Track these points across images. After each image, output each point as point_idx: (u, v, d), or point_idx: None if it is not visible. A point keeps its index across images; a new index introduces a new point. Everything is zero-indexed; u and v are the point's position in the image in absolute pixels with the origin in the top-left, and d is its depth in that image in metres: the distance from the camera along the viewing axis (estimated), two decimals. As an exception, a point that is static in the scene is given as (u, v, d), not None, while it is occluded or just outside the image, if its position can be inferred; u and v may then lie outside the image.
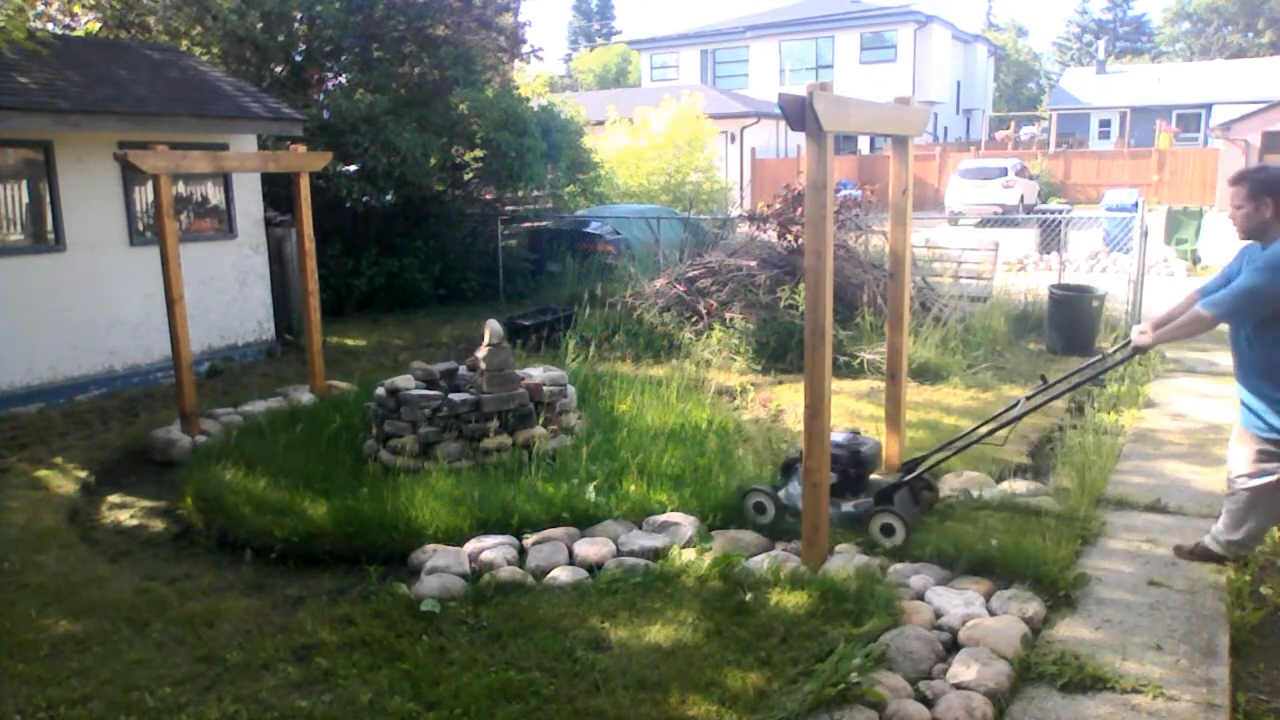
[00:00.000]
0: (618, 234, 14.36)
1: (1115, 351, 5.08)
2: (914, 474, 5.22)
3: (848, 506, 5.13)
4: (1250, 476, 4.27)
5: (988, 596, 4.34)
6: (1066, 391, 5.35)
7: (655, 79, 42.46)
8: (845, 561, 4.60)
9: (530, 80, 22.16)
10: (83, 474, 6.62)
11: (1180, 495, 5.62)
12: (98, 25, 13.26)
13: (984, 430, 5.27)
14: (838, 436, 5.29)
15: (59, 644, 4.18)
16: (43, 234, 8.66)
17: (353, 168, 13.02)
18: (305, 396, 8.14)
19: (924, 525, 5.04)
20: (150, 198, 8.88)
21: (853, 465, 5.21)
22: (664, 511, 5.35)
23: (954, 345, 9.08)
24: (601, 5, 72.63)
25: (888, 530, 4.88)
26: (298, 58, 13.74)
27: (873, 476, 5.35)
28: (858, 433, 5.48)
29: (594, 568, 4.74)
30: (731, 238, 12.06)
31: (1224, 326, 4.29)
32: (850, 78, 36.03)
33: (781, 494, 5.27)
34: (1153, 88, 40.33)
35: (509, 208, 15.69)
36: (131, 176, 9.04)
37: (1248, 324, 4.12)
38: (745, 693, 3.58)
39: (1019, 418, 5.15)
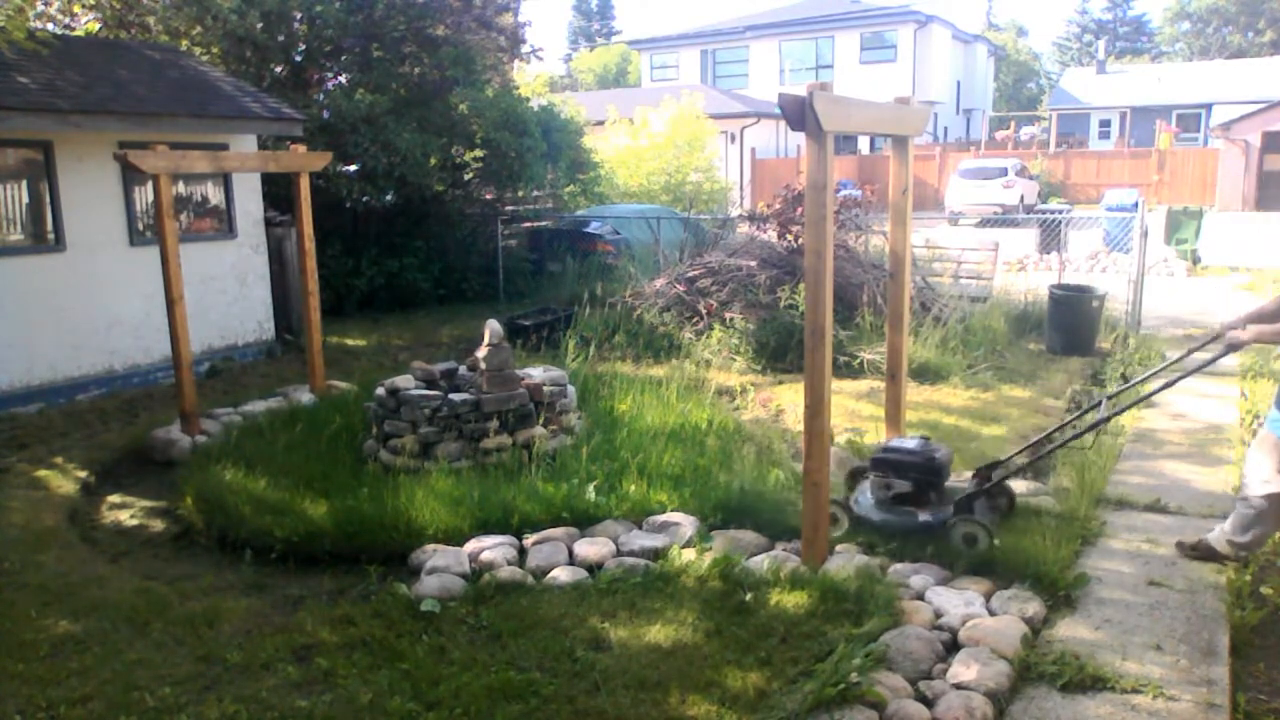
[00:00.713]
0: (618, 234, 14.36)
1: (1201, 347, 4.94)
2: (993, 482, 5.03)
3: (925, 516, 4.88)
4: (1266, 483, 4.25)
5: (988, 596, 4.34)
6: (1160, 389, 5.07)
7: (655, 79, 42.45)
8: (845, 561, 4.60)
9: (530, 80, 22.16)
10: (83, 474, 6.62)
11: (1180, 495, 5.62)
12: (98, 25, 13.27)
13: (1068, 434, 5.06)
14: (909, 443, 5.10)
15: (59, 644, 4.18)
16: (43, 234, 8.66)
17: (353, 168, 13.02)
18: (305, 396, 8.14)
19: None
20: (150, 198, 8.87)
21: (928, 474, 4.95)
22: (664, 511, 5.35)
23: (954, 345, 9.08)
24: (601, 5, 72.61)
25: (970, 540, 4.70)
26: (298, 58, 13.74)
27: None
28: (928, 439, 5.22)
29: (594, 568, 4.74)
30: (731, 238, 12.06)
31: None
32: (850, 78, 36.02)
33: (853, 504, 5.09)
34: (1153, 88, 40.33)
35: (509, 208, 15.69)
36: (131, 176, 9.04)
37: None
38: (745, 693, 3.58)
39: (1107, 419, 4.92)
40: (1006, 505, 5.17)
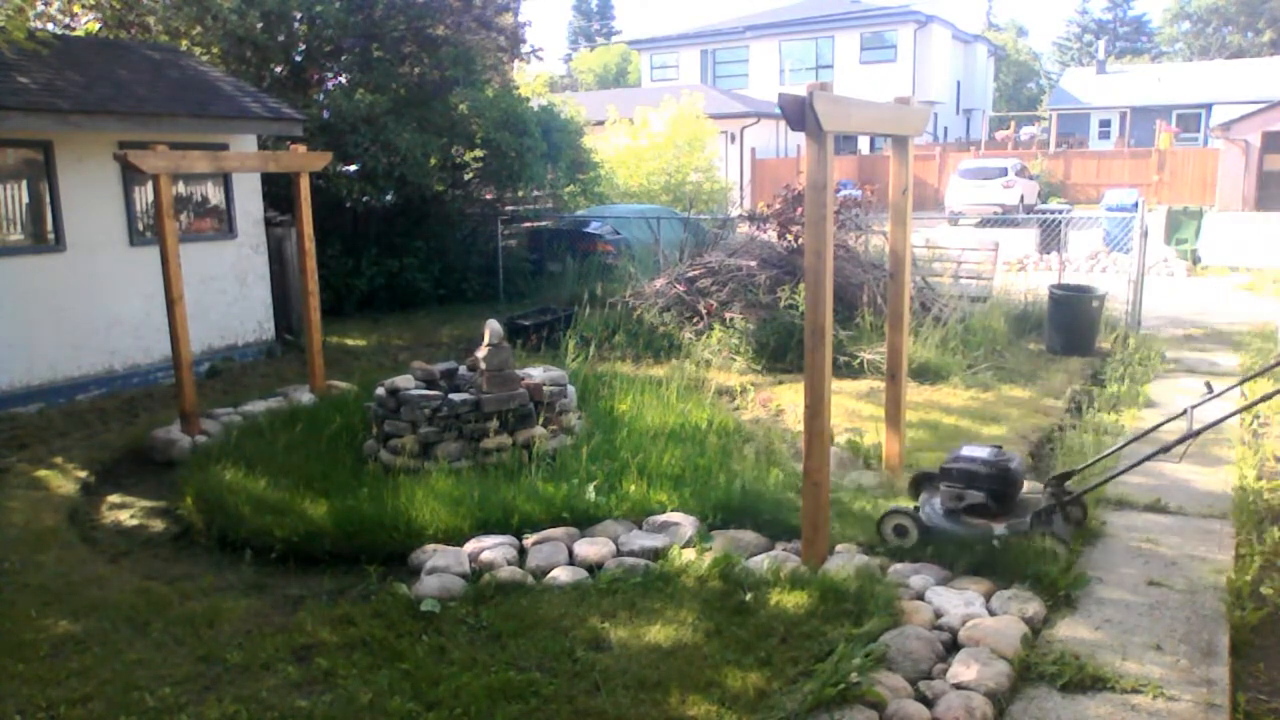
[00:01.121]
0: (618, 234, 14.36)
1: None
2: (1073, 496, 4.91)
3: (1000, 529, 4.71)
4: None
5: (988, 596, 4.34)
6: (1258, 402, 4.83)
7: (655, 79, 42.45)
8: (845, 561, 4.60)
9: (530, 80, 22.17)
10: (83, 474, 6.62)
11: (1180, 495, 5.62)
12: (98, 25, 13.26)
13: (1154, 449, 4.85)
14: (981, 452, 4.93)
15: (59, 644, 4.18)
16: (43, 234, 8.66)
17: (353, 168, 13.02)
18: (305, 396, 8.14)
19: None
20: (150, 198, 8.87)
21: (1002, 484, 4.79)
22: (664, 511, 5.35)
23: (954, 345, 9.08)
24: (601, 5, 72.59)
25: (1050, 555, 4.61)
26: (298, 58, 13.74)
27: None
28: (1000, 448, 5.03)
29: (594, 568, 4.74)
30: (731, 238, 12.06)
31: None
32: (850, 78, 36.01)
33: (922, 515, 4.91)
34: (1153, 88, 40.31)
35: (509, 208, 15.69)
36: (131, 176, 9.04)
37: None
38: (745, 693, 3.58)
39: (1197, 433, 4.71)
40: (1080, 516, 5.02)
